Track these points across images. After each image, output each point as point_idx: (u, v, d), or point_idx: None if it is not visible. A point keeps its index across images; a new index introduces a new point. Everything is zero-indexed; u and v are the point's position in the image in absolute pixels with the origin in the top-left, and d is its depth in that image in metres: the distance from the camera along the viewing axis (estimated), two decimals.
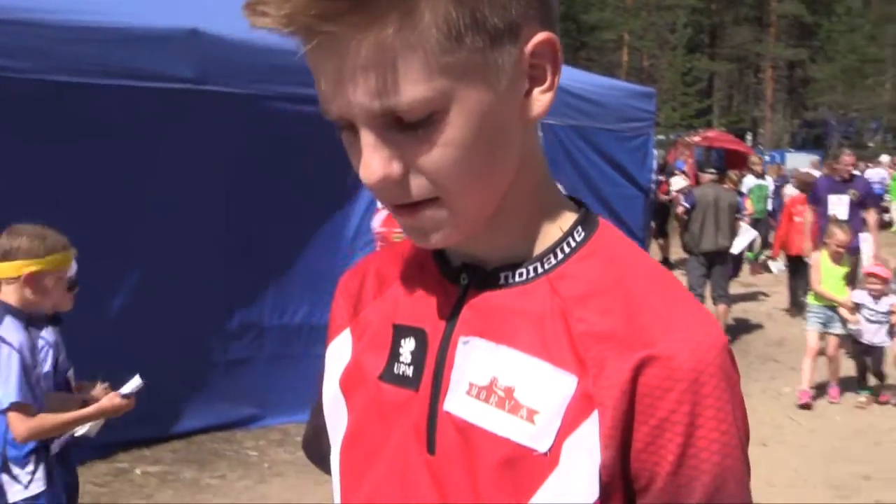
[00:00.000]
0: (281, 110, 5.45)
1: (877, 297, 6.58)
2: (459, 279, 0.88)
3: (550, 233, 0.87)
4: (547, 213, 0.88)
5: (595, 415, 0.78)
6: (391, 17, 0.69)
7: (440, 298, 0.89)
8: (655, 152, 10.43)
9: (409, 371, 0.88)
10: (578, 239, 0.87)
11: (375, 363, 0.91)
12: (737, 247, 9.88)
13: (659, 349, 0.77)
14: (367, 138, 0.75)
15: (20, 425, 2.77)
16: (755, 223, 12.18)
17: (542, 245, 0.87)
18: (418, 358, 0.88)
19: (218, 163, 5.25)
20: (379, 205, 4.92)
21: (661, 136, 18.61)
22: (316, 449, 1.06)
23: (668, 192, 12.93)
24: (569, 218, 0.89)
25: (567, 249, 0.86)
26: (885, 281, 6.58)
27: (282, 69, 5.42)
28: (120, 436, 4.56)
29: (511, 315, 0.84)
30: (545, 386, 0.80)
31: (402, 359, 0.89)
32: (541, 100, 0.80)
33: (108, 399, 3.02)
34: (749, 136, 39.18)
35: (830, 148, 35.50)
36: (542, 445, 0.79)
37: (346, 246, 5.90)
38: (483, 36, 0.73)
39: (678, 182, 12.48)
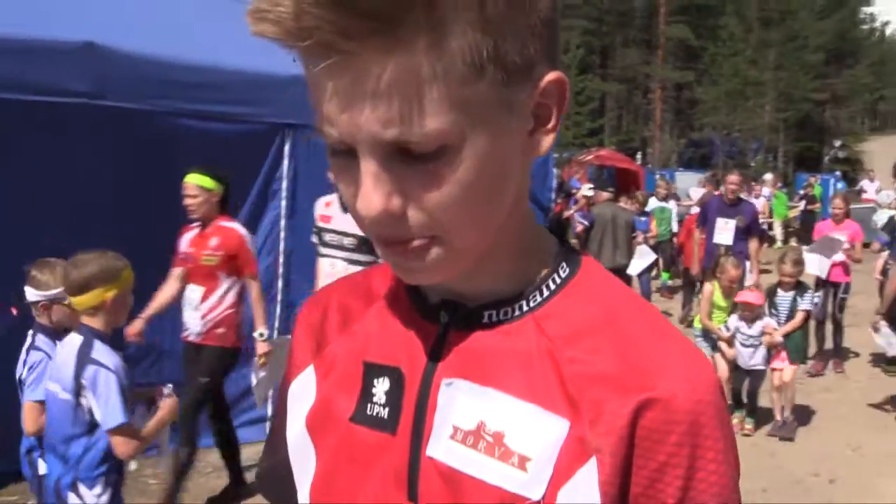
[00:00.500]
0: (178, 126, 5.31)
1: (749, 321, 6.72)
2: (438, 317, 0.84)
3: (534, 269, 0.84)
4: (530, 249, 0.84)
5: (593, 461, 0.74)
6: (419, 42, 0.64)
7: (417, 336, 0.84)
8: (555, 171, 10.60)
9: (385, 413, 0.83)
10: (563, 275, 0.84)
11: (345, 403, 0.86)
12: (635, 268, 10.05)
13: (658, 391, 0.74)
14: (370, 167, 0.69)
15: (125, 446, 2.95)
16: (657, 246, 12.38)
17: (525, 282, 0.83)
18: (394, 399, 0.83)
19: (113, 179, 5.07)
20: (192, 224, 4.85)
21: (555, 155, 18.96)
22: (277, 486, 0.99)
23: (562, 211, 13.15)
24: (551, 251, 0.86)
25: (552, 286, 0.83)
26: (756, 307, 6.71)
27: (180, 84, 5.31)
28: None
29: (497, 356, 0.80)
30: (536, 431, 0.76)
31: (375, 399, 0.84)
32: (544, 140, 0.77)
33: (171, 402, 3.25)
34: (639, 155, 40.27)
35: (716, 167, 36.89)
36: (536, 493, 0.75)
37: None
38: (502, 71, 0.69)
39: (586, 191, 12.50)
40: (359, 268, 4.86)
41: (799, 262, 7.27)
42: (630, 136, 48.25)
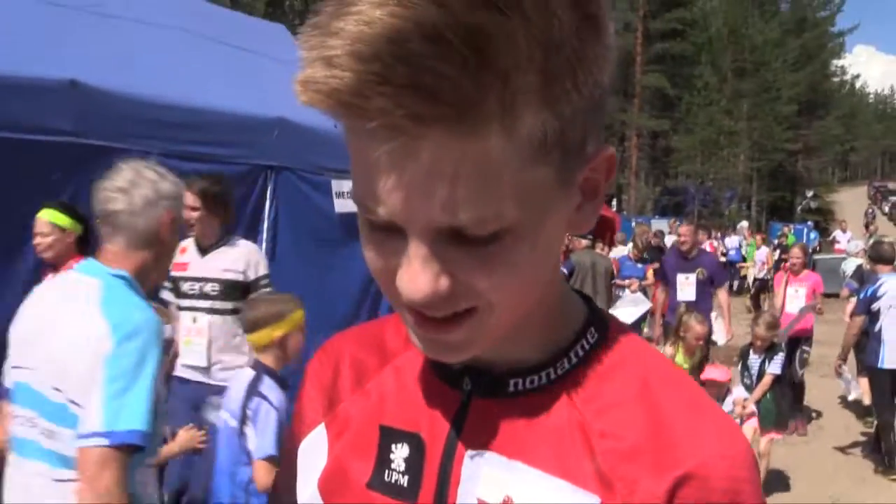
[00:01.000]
0: (164, 166, 5.26)
1: (718, 399, 6.27)
2: (461, 383, 0.80)
3: (561, 334, 0.80)
4: (558, 314, 0.81)
5: None
6: (493, 128, 0.59)
7: (438, 403, 0.81)
8: None
9: (404, 481, 0.79)
10: (592, 341, 0.80)
11: (362, 468, 0.82)
12: (628, 316, 9.75)
13: (694, 466, 0.71)
14: (419, 250, 0.64)
15: (266, 477, 3.00)
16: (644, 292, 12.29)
17: (552, 348, 0.79)
18: (415, 467, 0.79)
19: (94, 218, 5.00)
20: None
21: None
22: None
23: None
24: (578, 316, 0.82)
25: (581, 353, 0.79)
26: (722, 385, 6.30)
27: (166, 125, 5.27)
28: None
29: (524, 427, 0.77)
30: None
31: (393, 466, 0.80)
32: (591, 215, 0.74)
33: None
34: (615, 202, 40.61)
35: (691, 215, 37.28)
36: None
37: None
38: (562, 152, 0.65)
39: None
40: (224, 317, 4.59)
41: (773, 326, 6.93)
42: None
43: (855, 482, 6.99)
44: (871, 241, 11.48)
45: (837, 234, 25.74)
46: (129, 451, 1.96)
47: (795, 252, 9.25)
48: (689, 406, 0.76)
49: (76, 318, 2.07)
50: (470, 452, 0.77)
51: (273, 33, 7.93)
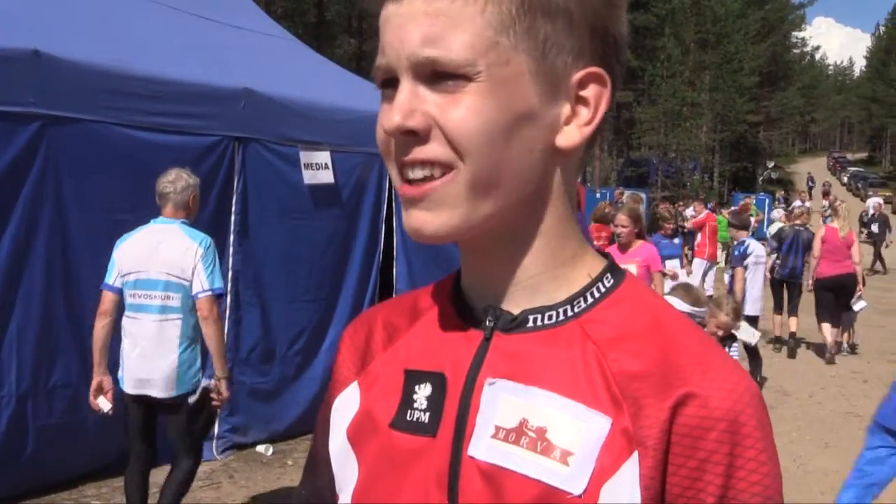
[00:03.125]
0: (130, 137, 5.19)
1: None
2: (483, 323, 0.85)
3: (578, 278, 0.85)
4: (572, 257, 0.86)
5: (635, 456, 0.75)
6: None
7: (461, 342, 0.85)
8: None
9: (425, 417, 0.84)
10: (608, 285, 0.85)
11: (386, 410, 0.87)
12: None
13: (697, 387, 0.76)
14: (405, 85, 0.77)
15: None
16: None
17: (569, 289, 0.85)
18: (436, 403, 0.84)
19: (59, 190, 4.92)
20: None
21: None
22: None
23: None
24: (596, 265, 0.87)
25: (597, 294, 0.84)
26: None
27: (132, 95, 5.19)
28: None
29: (541, 358, 0.81)
30: (579, 426, 0.77)
31: (416, 405, 0.85)
32: (573, 134, 0.81)
33: None
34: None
35: (654, 186, 37.53)
36: (577, 488, 0.75)
37: None
38: (551, 37, 0.78)
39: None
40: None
41: (738, 315, 6.25)
42: None
43: (819, 447, 7.14)
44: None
45: (797, 204, 26.05)
46: (219, 298, 4.36)
47: (622, 219, 7.33)
48: (698, 343, 0.81)
49: (176, 240, 4.22)
50: (489, 381, 0.81)
51: (239, 5, 7.81)
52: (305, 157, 6.25)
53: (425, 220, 0.79)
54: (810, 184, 51.34)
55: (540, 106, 0.78)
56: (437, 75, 0.76)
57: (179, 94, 5.45)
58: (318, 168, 6.32)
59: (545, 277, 0.84)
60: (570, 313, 0.83)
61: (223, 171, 5.81)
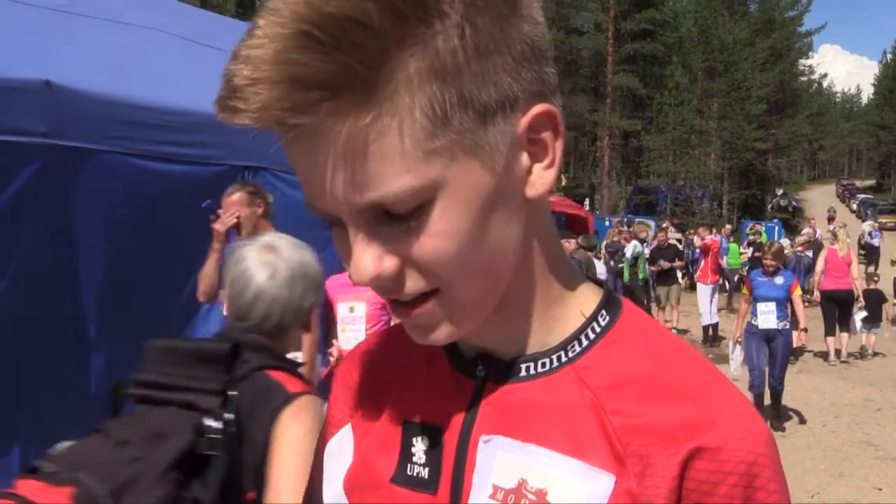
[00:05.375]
0: (140, 167, 5.20)
1: None
2: (474, 372, 0.81)
3: (571, 318, 0.80)
4: (565, 298, 0.81)
5: None
6: (368, 104, 0.63)
7: (453, 393, 0.82)
8: None
9: (425, 473, 0.80)
10: (603, 323, 0.80)
11: (386, 464, 0.83)
12: None
13: (706, 440, 0.71)
14: (356, 234, 0.69)
15: None
16: None
17: (563, 332, 0.80)
18: (433, 458, 0.80)
19: (72, 222, 4.93)
20: None
21: None
22: None
23: None
24: (590, 300, 0.82)
25: (592, 336, 0.79)
26: None
27: (142, 125, 5.21)
28: None
29: (536, 410, 0.77)
30: (581, 487, 0.72)
31: (415, 459, 0.81)
32: (543, 177, 0.73)
33: None
34: (587, 202, 40.76)
35: (663, 214, 37.52)
36: None
37: (200, 308, 5.64)
38: (472, 115, 0.66)
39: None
40: None
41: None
42: (578, 182, 48.82)
43: (833, 477, 7.05)
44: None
45: (807, 230, 25.97)
46: None
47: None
48: (702, 383, 0.76)
49: None
50: (484, 437, 0.78)
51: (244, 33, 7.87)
52: None
53: (429, 339, 0.75)
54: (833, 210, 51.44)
55: (500, 175, 0.70)
56: (388, 214, 0.67)
57: (189, 124, 5.46)
58: None
59: (536, 321, 0.80)
60: (563, 359, 0.78)
61: None
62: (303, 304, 2.13)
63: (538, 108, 0.71)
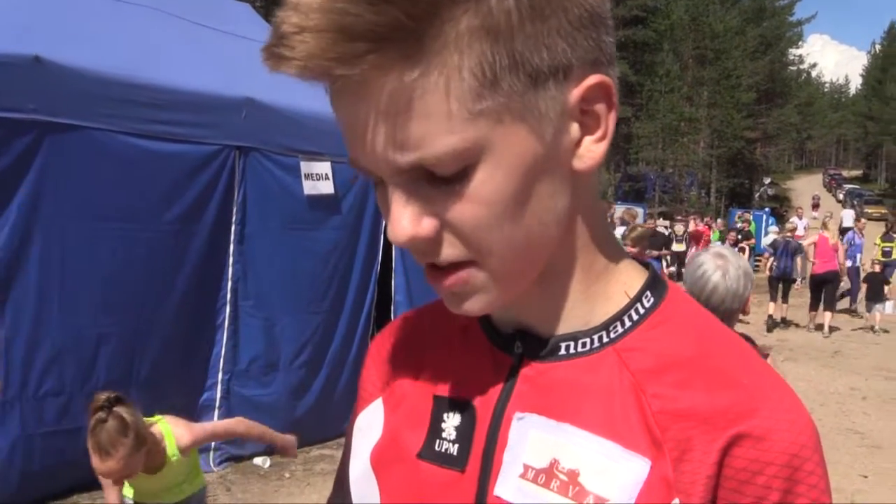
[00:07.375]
0: (127, 145, 5.15)
1: None
2: (512, 348, 0.78)
3: (615, 298, 0.77)
4: (608, 275, 0.78)
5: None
6: (417, 59, 0.60)
7: (489, 369, 0.79)
8: None
9: (454, 449, 0.78)
10: (647, 305, 0.77)
11: (414, 439, 0.81)
12: None
13: (749, 427, 0.68)
14: (396, 193, 0.66)
15: None
16: None
17: (605, 311, 0.77)
18: (465, 434, 0.78)
19: (59, 197, 4.88)
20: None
21: None
22: None
23: None
24: (635, 281, 0.79)
25: (635, 316, 0.77)
26: None
27: (132, 103, 5.16)
28: None
29: (574, 390, 0.74)
30: (615, 470, 0.70)
31: (444, 435, 0.79)
32: (593, 150, 0.70)
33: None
34: None
35: (651, 201, 37.59)
36: None
37: (190, 286, 5.62)
38: (523, 78, 0.64)
39: None
40: None
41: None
42: None
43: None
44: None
45: (794, 220, 26.08)
46: None
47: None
48: (747, 370, 0.73)
49: None
50: (518, 415, 0.75)
51: (239, 13, 7.80)
52: (306, 167, 6.22)
53: (463, 307, 0.73)
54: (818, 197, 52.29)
55: (551, 149, 0.68)
56: (430, 175, 0.65)
57: (180, 103, 5.42)
58: (318, 178, 6.29)
59: (578, 297, 0.77)
60: (605, 339, 0.76)
61: (224, 180, 5.76)
62: (744, 294, 2.97)
63: (593, 79, 0.68)
